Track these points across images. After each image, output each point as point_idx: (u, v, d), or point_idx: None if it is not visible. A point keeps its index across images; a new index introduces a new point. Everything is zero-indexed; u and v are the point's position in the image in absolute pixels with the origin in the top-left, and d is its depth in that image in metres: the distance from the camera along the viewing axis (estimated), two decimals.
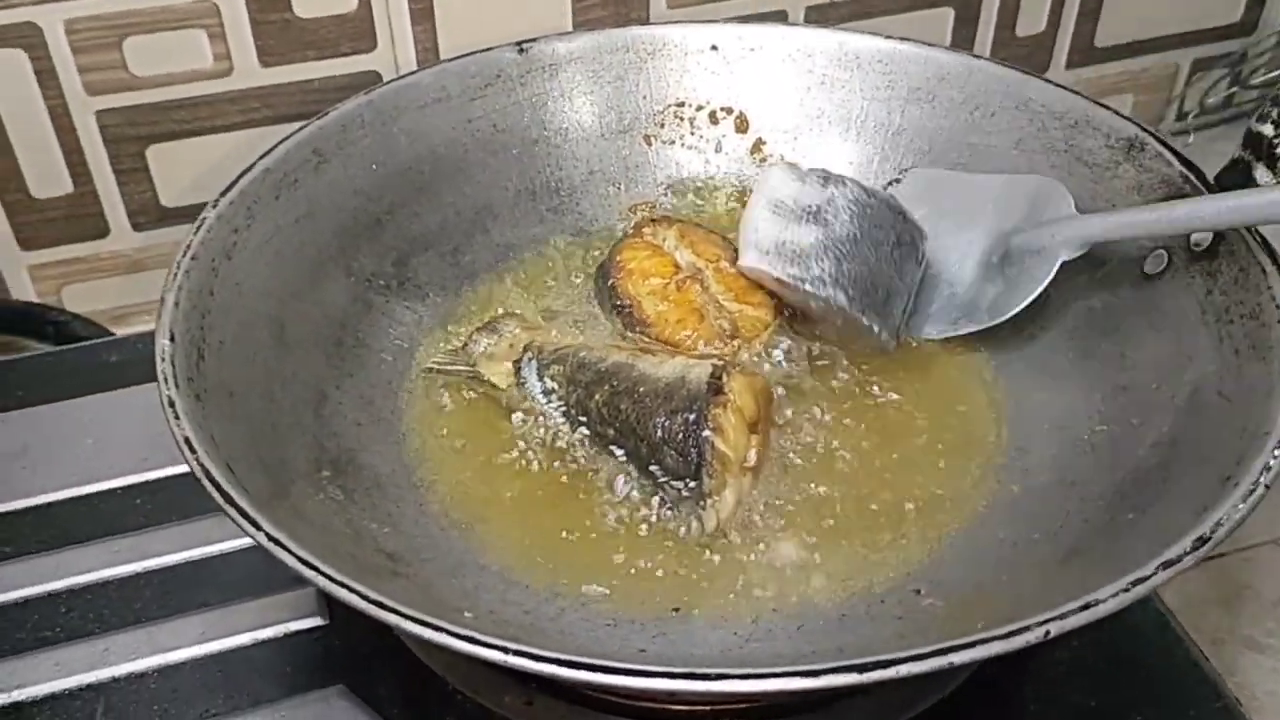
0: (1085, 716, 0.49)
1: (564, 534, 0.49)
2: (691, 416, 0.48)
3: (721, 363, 0.51)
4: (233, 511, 0.39)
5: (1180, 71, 0.89)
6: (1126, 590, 0.36)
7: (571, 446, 0.52)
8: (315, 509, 0.46)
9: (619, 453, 0.51)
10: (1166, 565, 0.36)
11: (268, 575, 0.54)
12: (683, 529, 0.49)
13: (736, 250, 0.58)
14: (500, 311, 0.58)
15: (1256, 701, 0.62)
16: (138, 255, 0.76)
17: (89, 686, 0.50)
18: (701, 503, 0.48)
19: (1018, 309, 0.53)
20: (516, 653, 0.34)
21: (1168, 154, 0.53)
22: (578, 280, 0.61)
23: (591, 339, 0.56)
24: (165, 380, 0.43)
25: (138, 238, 0.76)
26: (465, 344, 0.56)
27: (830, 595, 0.46)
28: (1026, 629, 0.34)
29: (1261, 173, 0.52)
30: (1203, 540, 0.37)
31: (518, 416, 0.54)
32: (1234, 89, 0.87)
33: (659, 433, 0.49)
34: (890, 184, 0.61)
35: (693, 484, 0.48)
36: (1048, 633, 0.34)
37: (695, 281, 0.56)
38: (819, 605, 0.46)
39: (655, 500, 0.50)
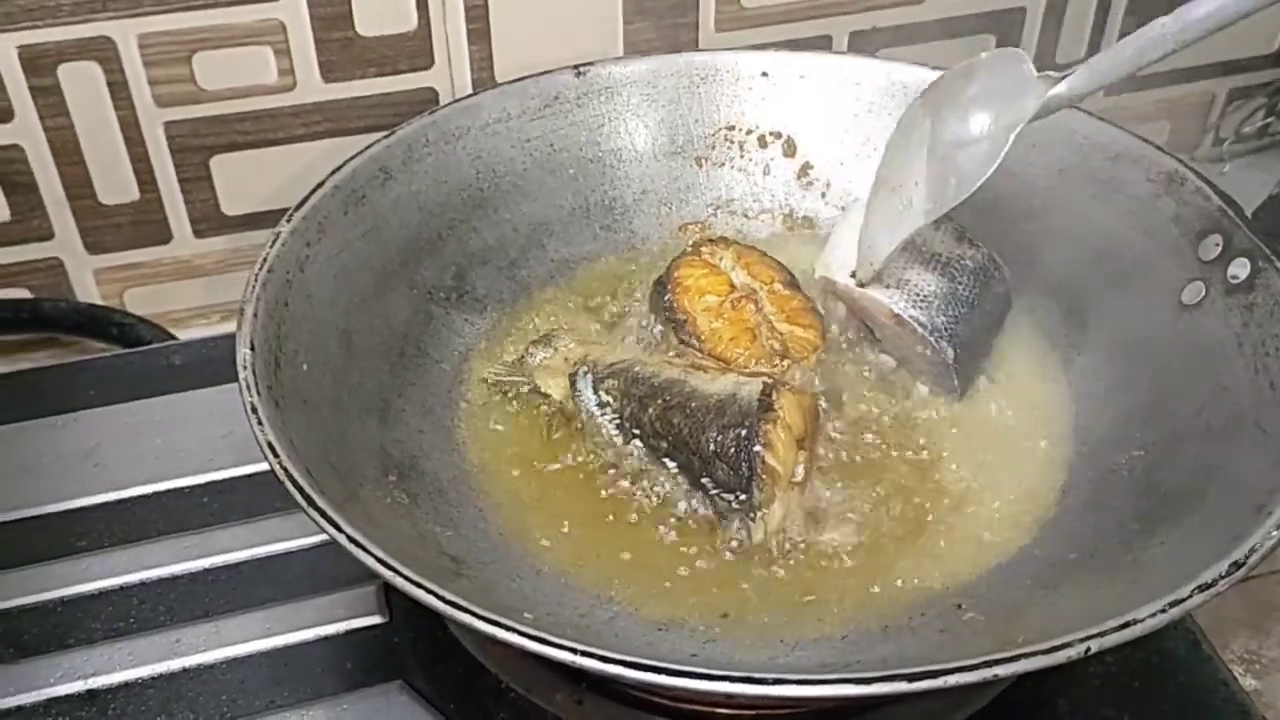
0: None
1: (616, 541, 0.51)
2: (743, 432, 0.50)
3: (772, 380, 0.53)
4: (314, 513, 0.41)
5: (1216, 100, 0.90)
6: (1164, 611, 0.37)
7: (624, 458, 0.54)
8: (383, 512, 0.48)
9: (671, 465, 0.53)
10: (1203, 588, 0.38)
11: (330, 573, 0.56)
12: (732, 540, 0.51)
13: (789, 273, 0.60)
14: (556, 326, 0.60)
15: None
16: (198, 261, 0.78)
17: (161, 676, 0.52)
18: (751, 515, 0.50)
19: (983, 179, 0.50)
20: (585, 654, 0.36)
21: (1207, 189, 0.55)
22: (629, 295, 0.63)
23: (645, 355, 0.58)
24: (247, 387, 0.46)
25: (199, 244, 0.78)
26: (522, 356, 0.59)
27: (874, 607, 0.48)
28: (1069, 645, 0.36)
29: None
30: (1237, 565, 0.39)
31: (574, 425, 0.56)
32: (1270, 119, 0.88)
33: (711, 446, 0.51)
34: None
35: (743, 496, 0.50)
36: (1088, 649, 0.36)
37: (749, 301, 0.58)
38: (863, 616, 0.48)
39: (706, 511, 0.52)
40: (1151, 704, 0.51)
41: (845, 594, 0.49)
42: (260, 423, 0.44)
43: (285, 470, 0.42)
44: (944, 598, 0.48)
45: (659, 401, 0.53)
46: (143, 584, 0.56)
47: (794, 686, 0.35)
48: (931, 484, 0.53)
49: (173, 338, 0.75)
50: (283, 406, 0.47)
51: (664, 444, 0.53)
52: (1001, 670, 0.36)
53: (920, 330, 0.55)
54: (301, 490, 0.42)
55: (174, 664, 0.52)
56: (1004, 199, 0.62)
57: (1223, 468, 0.47)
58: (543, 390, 0.57)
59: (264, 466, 0.60)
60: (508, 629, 0.37)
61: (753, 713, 0.51)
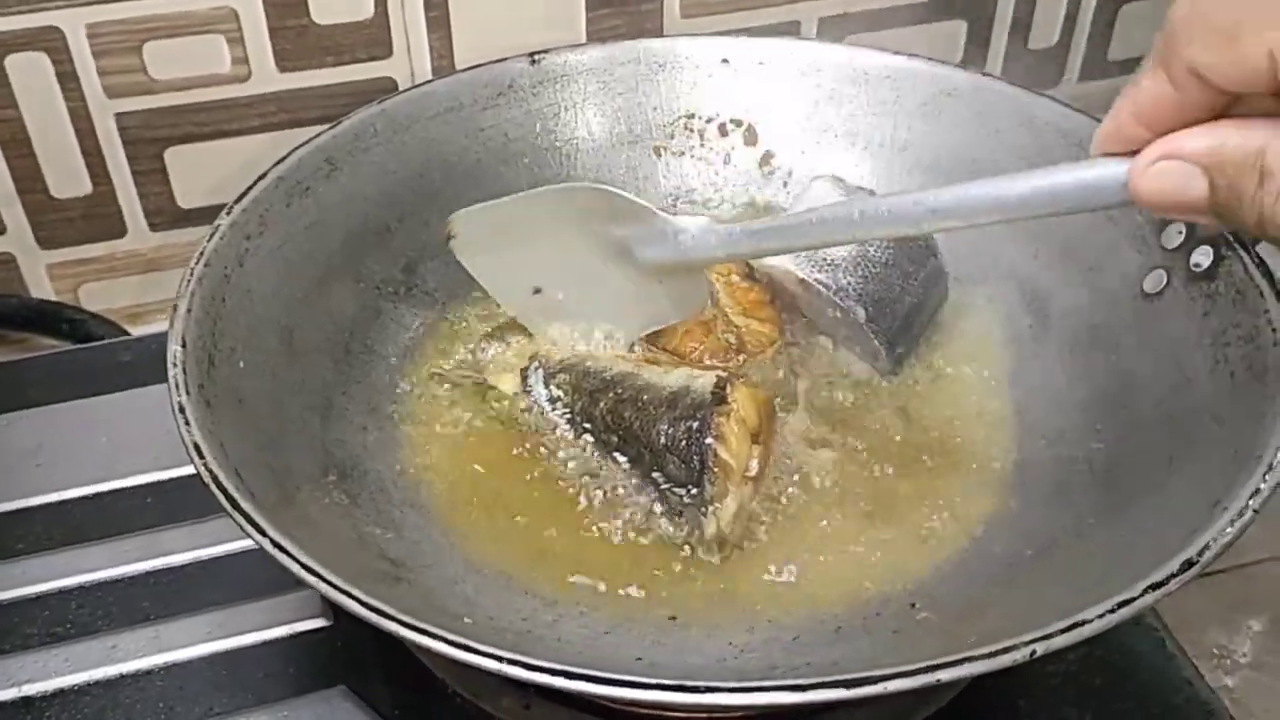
0: None
1: (563, 542, 0.50)
2: (695, 424, 0.49)
3: (725, 374, 0.51)
4: (239, 517, 0.40)
5: None
6: (1113, 611, 0.36)
7: (574, 457, 0.53)
8: (321, 514, 0.47)
9: (622, 459, 0.52)
10: (1154, 587, 0.37)
11: (274, 576, 0.53)
12: (682, 537, 0.50)
13: (747, 265, 0.59)
14: (509, 321, 0.59)
15: (1254, 718, 0.62)
16: (154, 255, 0.77)
17: (98, 682, 0.51)
18: (703, 509, 0.49)
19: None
20: (511, 661, 0.35)
21: None
22: None
23: (597, 350, 0.57)
24: (176, 386, 0.44)
25: (154, 238, 0.77)
26: (473, 352, 0.57)
27: (826, 608, 0.47)
28: (1014, 648, 0.35)
29: None
30: (1190, 563, 0.37)
31: (524, 421, 0.54)
32: None
33: (662, 439, 0.50)
34: None
35: (695, 491, 0.49)
36: (1034, 652, 0.35)
37: None
38: (815, 617, 0.47)
39: (656, 508, 0.51)
40: (1113, 703, 0.50)
41: (796, 596, 0.47)
42: (187, 423, 0.43)
43: (210, 472, 0.41)
44: (898, 597, 0.47)
45: (610, 395, 0.52)
46: (81, 588, 0.54)
47: (728, 695, 0.34)
48: (887, 480, 0.52)
49: (126, 333, 0.74)
50: (215, 406, 0.45)
51: (615, 438, 0.51)
52: (944, 675, 0.34)
53: (825, 292, 0.54)
54: (226, 493, 0.40)
55: (111, 670, 0.51)
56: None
57: (1182, 460, 0.45)
58: (494, 385, 0.56)
59: None
60: (433, 636, 0.36)
61: (704, 715, 0.50)
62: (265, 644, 0.52)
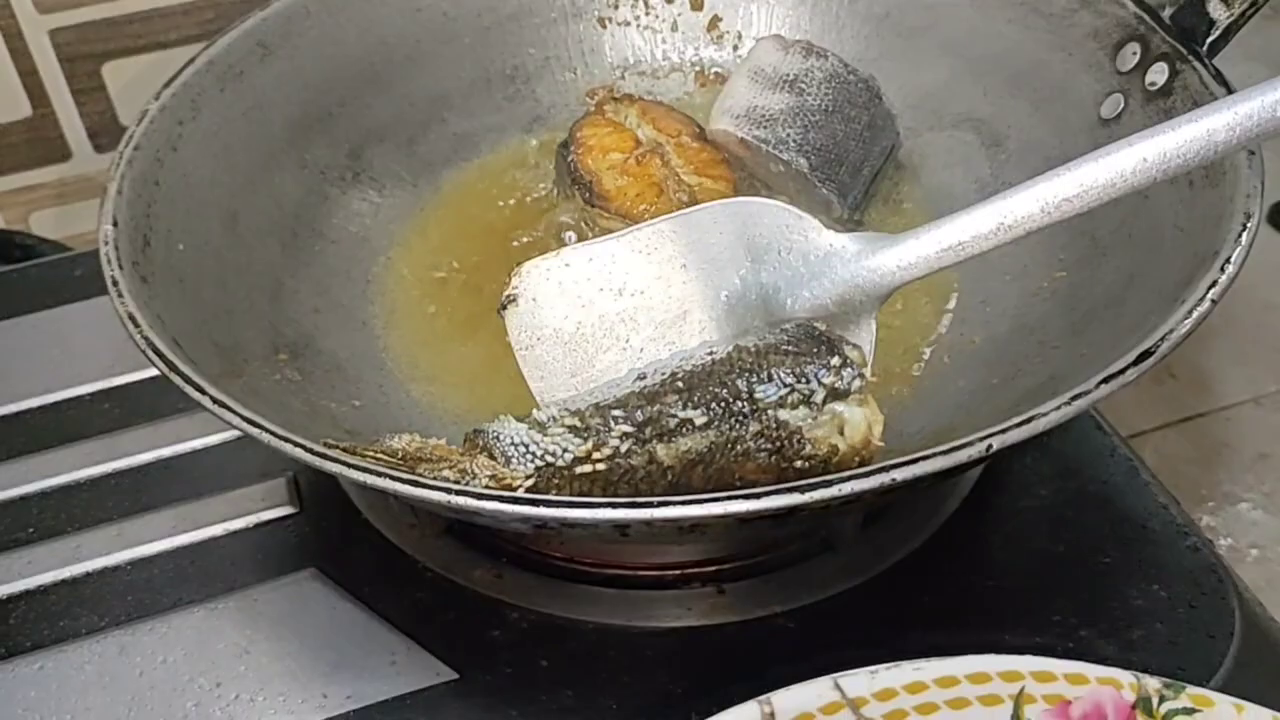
0: (1053, 560, 0.49)
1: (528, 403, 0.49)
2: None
3: None
4: (178, 379, 0.39)
5: None
6: (1068, 404, 0.35)
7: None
8: (271, 389, 0.46)
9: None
10: (1108, 380, 0.36)
11: (236, 470, 0.54)
12: None
13: (698, 125, 0.57)
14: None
15: (1238, 552, 0.62)
16: (102, 179, 0.75)
17: (63, 581, 0.50)
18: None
19: None
20: (459, 493, 0.34)
21: None
22: (536, 168, 0.60)
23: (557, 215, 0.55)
24: (108, 261, 0.43)
25: (100, 160, 0.75)
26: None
27: None
28: (969, 444, 0.34)
29: (1215, 6, 0.51)
30: (1147, 354, 0.37)
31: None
32: None
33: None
34: None
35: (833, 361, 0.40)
36: (989, 447, 0.34)
37: (655, 155, 0.56)
38: None
39: None
40: (1088, 532, 0.50)
41: None
42: (120, 295, 0.42)
43: (146, 339, 0.40)
44: None
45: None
46: (42, 493, 0.53)
47: (680, 508, 0.33)
48: None
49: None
50: (151, 282, 0.44)
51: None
52: (899, 474, 0.34)
53: (765, 147, 0.53)
54: (163, 357, 0.39)
55: (77, 569, 0.50)
56: (919, 32, 0.59)
57: (1143, 273, 0.45)
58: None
59: None
60: (378, 474, 0.35)
61: (677, 571, 0.49)
62: (232, 534, 0.52)
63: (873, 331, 0.44)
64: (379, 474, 0.35)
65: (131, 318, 0.41)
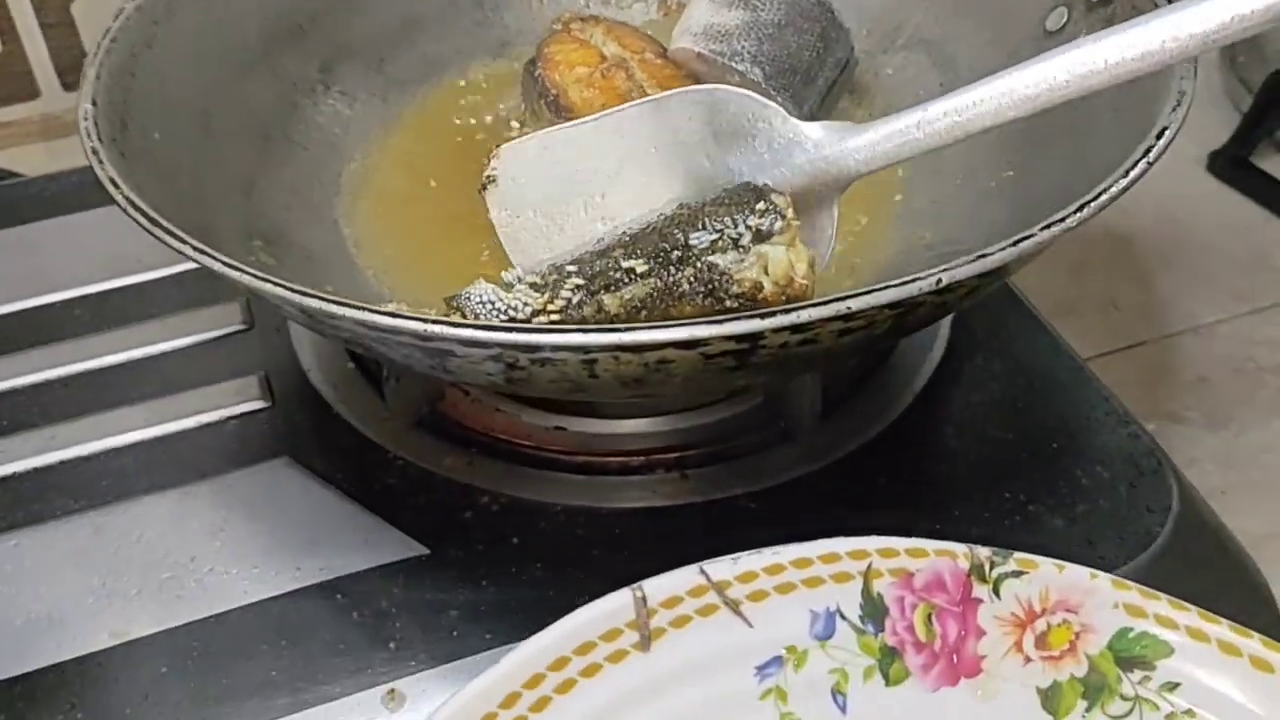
0: (1003, 446, 0.51)
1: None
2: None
3: None
4: (160, 233, 0.40)
5: None
6: (1014, 245, 0.37)
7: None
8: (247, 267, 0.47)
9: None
10: (1050, 225, 0.38)
11: (209, 369, 0.55)
12: None
13: (661, 46, 0.59)
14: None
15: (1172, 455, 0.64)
16: (71, 119, 0.76)
17: (36, 469, 0.51)
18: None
19: None
20: (435, 321, 0.36)
21: None
22: (505, 89, 0.62)
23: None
24: (88, 135, 0.44)
25: (69, 98, 0.76)
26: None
27: None
28: (920, 278, 0.36)
29: None
30: (1088, 203, 0.39)
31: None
32: None
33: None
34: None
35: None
36: (939, 281, 0.36)
37: (620, 70, 0.57)
38: None
39: None
40: (1036, 422, 0.52)
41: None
42: (101, 162, 0.43)
43: (129, 199, 0.41)
44: None
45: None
46: (12, 390, 0.54)
47: (646, 332, 0.35)
48: None
49: None
50: (130, 160, 0.45)
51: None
52: (855, 303, 0.35)
53: (720, 60, 0.55)
54: (145, 214, 0.40)
55: (51, 457, 0.51)
56: None
57: (1084, 158, 0.47)
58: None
59: (138, 278, 0.59)
60: (349, 305, 0.36)
61: (643, 457, 0.51)
62: (205, 426, 0.52)
63: (834, 218, 0.45)
64: (366, 309, 0.36)
65: (113, 181, 0.42)
